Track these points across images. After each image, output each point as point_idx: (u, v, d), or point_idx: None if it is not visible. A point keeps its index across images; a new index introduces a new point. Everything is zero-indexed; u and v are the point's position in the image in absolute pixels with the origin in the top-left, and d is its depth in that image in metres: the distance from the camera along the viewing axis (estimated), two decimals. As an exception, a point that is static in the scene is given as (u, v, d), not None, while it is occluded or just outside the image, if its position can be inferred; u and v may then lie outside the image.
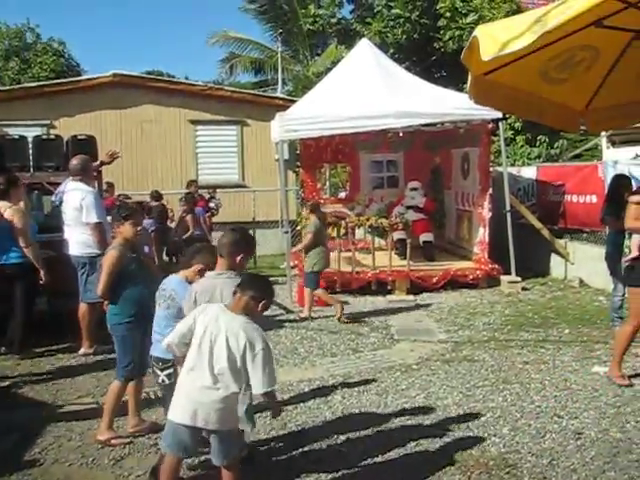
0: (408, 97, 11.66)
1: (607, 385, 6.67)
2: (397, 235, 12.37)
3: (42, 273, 7.83)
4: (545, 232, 12.82)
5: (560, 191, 13.11)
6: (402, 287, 11.64)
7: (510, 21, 5.16)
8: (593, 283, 11.60)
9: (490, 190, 12.38)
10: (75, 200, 8.09)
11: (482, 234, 12.40)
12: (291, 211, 15.18)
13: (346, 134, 12.44)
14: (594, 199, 11.80)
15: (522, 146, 18.49)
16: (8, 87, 21.09)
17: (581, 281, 11.96)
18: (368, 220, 12.15)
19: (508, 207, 12.14)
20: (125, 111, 16.97)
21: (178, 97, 17.19)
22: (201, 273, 4.83)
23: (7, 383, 7.16)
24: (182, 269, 5.12)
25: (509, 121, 18.29)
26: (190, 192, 13.40)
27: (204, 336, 4.01)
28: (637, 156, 11.61)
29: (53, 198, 8.80)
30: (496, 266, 12.01)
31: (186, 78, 32.27)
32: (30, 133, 11.06)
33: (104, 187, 11.23)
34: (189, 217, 12.43)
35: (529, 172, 14.62)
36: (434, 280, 11.79)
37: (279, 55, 25.92)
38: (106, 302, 5.68)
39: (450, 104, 11.61)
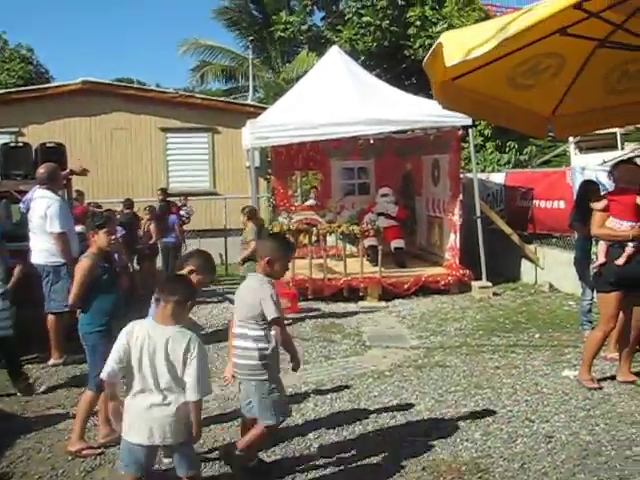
0: (379, 104, 11.71)
1: (577, 389, 6.73)
2: (368, 242, 12.39)
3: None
4: (515, 237, 12.92)
5: (528, 197, 13.23)
6: (374, 293, 11.66)
7: (475, 28, 5.21)
8: (563, 288, 11.71)
9: (460, 196, 12.45)
10: (41, 208, 8.00)
11: (453, 240, 12.47)
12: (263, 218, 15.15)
13: (317, 141, 12.46)
14: (562, 205, 11.93)
15: (492, 152, 18.64)
16: (-25, 95, 20.80)
17: (551, 286, 12.06)
18: (339, 227, 12.16)
19: (478, 213, 12.23)
20: (95, 118, 16.86)
21: (149, 105, 17.11)
22: (191, 274, 4.85)
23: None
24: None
25: (479, 128, 18.44)
26: (168, 201, 13.39)
27: (141, 356, 3.95)
28: (604, 162, 11.73)
29: (21, 206, 8.70)
30: (467, 272, 12.08)
31: (157, 85, 32.21)
32: (-2, 141, 10.94)
33: (74, 195, 11.13)
34: (152, 226, 12.43)
35: (498, 178, 14.74)
36: (406, 286, 11.82)
37: (250, 62, 25.92)
38: (78, 311, 5.63)
39: (420, 111, 11.67)
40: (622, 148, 15.15)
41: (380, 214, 13.05)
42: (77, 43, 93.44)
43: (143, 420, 3.96)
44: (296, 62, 24.25)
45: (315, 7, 23.94)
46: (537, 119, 7.73)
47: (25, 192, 8.73)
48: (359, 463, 5.19)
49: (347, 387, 7.05)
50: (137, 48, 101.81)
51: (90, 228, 5.93)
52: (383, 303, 11.43)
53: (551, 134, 8.14)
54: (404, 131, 13.37)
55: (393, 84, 13.88)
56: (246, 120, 12.07)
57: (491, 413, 6.16)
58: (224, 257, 15.77)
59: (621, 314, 6.78)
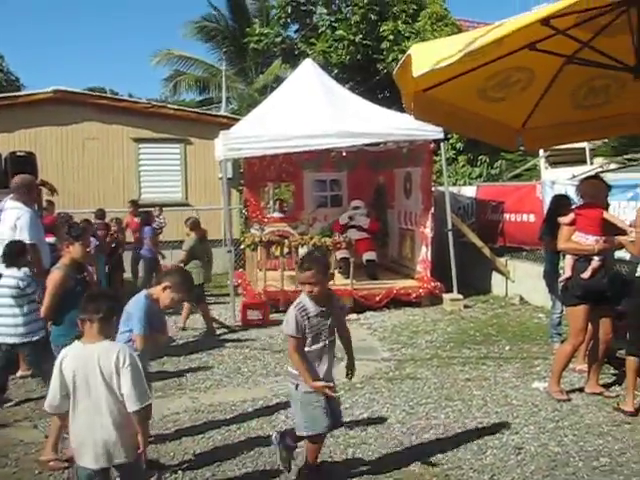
0: (351, 117, 11.77)
1: (546, 400, 6.78)
2: (340, 254, 12.41)
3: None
4: (486, 250, 13.01)
5: (499, 210, 13.35)
6: (345, 306, 11.65)
7: (444, 40, 5.28)
8: (533, 300, 11.80)
9: (432, 209, 12.52)
10: (11, 219, 7.89)
11: (424, 253, 12.53)
12: (235, 230, 15.14)
13: (290, 153, 12.47)
14: (532, 218, 12.04)
15: (463, 166, 18.80)
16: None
17: (521, 298, 12.16)
18: (312, 239, 12.16)
19: (450, 226, 12.30)
20: (66, 128, 16.70)
21: (121, 114, 17.00)
22: (165, 291, 4.99)
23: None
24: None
25: (451, 141, 18.60)
26: (147, 212, 13.34)
27: (76, 380, 3.85)
28: (574, 177, 11.87)
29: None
30: (438, 284, 12.13)
31: (129, 95, 32.03)
32: (-33, 150, 10.82)
33: (44, 205, 11.03)
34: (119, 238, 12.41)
35: (469, 191, 14.85)
36: (377, 298, 11.84)
37: (223, 73, 25.92)
38: (50, 322, 5.58)
39: (393, 124, 11.74)
40: (591, 163, 15.36)
41: (352, 226, 13.09)
42: (49, 51, 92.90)
43: (93, 443, 3.86)
44: (267, 72, 24.31)
45: (289, 20, 23.99)
46: (507, 132, 7.82)
47: (-5, 201, 8.62)
48: (330, 474, 5.17)
49: (318, 399, 7.03)
50: (110, 57, 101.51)
51: (64, 239, 5.87)
52: (354, 315, 11.41)
53: (522, 147, 8.22)
54: (377, 144, 13.43)
55: (366, 97, 13.95)
56: (219, 131, 12.05)
57: (461, 425, 6.19)
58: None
59: (590, 327, 6.86)
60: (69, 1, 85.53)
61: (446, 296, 12.04)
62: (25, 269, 6.86)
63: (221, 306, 12.15)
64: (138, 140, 17.19)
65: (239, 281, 12.55)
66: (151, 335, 4.97)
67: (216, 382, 7.76)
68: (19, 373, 7.95)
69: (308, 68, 13.31)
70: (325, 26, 21.79)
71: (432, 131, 11.31)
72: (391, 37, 20.15)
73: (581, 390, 7.05)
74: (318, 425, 4.86)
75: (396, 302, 11.94)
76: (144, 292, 5.15)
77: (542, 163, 16.71)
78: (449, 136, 16.70)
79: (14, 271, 6.77)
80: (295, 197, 15.69)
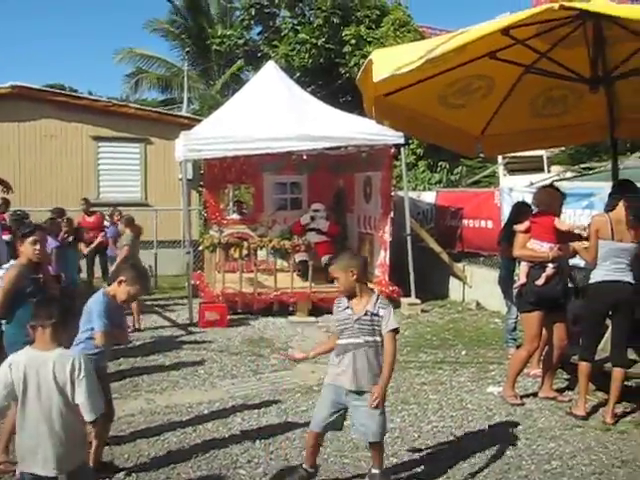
0: (312, 120, 11.79)
1: (501, 404, 6.86)
2: (299, 257, 12.41)
3: None
4: (444, 256, 13.13)
5: (458, 216, 13.48)
6: (304, 308, 11.67)
7: (405, 47, 5.34)
8: (489, 305, 11.94)
9: (391, 214, 12.58)
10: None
11: (383, 257, 12.58)
12: (194, 231, 15.05)
13: (250, 155, 12.44)
14: (490, 224, 12.19)
15: (423, 171, 18.94)
16: None
17: (478, 303, 12.29)
18: (271, 241, 12.15)
19: (408, 231, 12.38)
20: (24, 124, 16.42)
21: (80, 112, 16.76)
22: (120, 285, 5.02)
23: None
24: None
25: (411, 147, 18.73)
26: (112, 213, 13.21)
27: (28, 387, 3.73)
28: (532, 184, 12.04)
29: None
30: (396, 288, 12.19)
31: (90, 93, 31.64)
32: None
33: (-1, 202, 10.88)
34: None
35: (429, 197, 14.97)
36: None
37: (185, 73, 25.79)
38: (4, 321, 5.50)
39: (354, 128, 11.78)
40: (548, 171, 15.60)
41: (311, 229, 13.10)
42: (6, 47, 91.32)
43: (35, 450, 3.76)
44: (229, 73, 24.23)
45: (252, 22, 23.97)
46: (467, 138, 7.93)
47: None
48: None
49: (275, 402, 7.02)
50: (70, 55, 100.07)
51: (17, 237, 5.79)
52: (313, 318, 11.45)
53: (481, 154, 8.34)
54: (337, 148, 13.47)
55: (328, 101, 13.99)
56: (180, 131, 11.98)
57: (417, 429, 6.23)
58: (154, 269, 15.56)
59: (544, 332, 6.96)
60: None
61: (404, 300, 12.11)
62: None
63: (179, 307, 12.08)
64: (97, 138, 16.98)
65: (197, 282, 12.48)
66: (112, 332, 4.96)
67: (172, 384, 7.70)
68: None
69: (270, 71, 13.31)
70: (288, 29, 21.83)
71: (392, 136, 11.38)
72: (354, 42, 20.25)
73: (535, 395, 7.16)
74: (313, 420, 4.95)
75: (355, 306, 11.95)
76: (102, 289, 5.14)
77: (501, 170, 16.93)
78: (409, 141, 16.81)
79: None
80: (255, 199, 15.65)
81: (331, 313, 11.28)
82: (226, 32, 24.00)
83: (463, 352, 9.19)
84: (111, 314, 4.98)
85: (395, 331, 4.66)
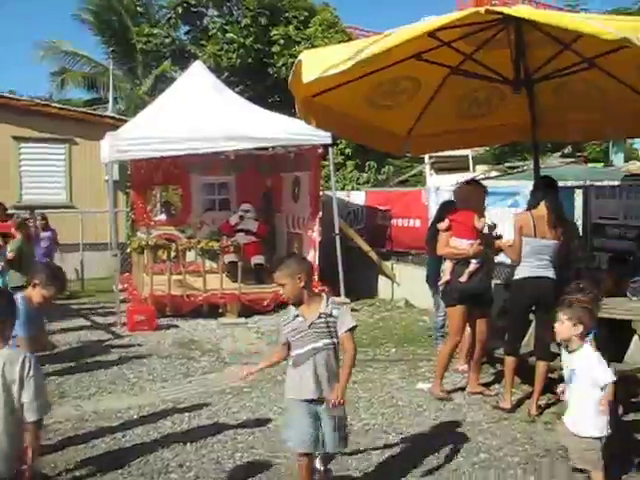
0: (240, 121, 11.74)
1: (430, 400, 6.96)
2: (228, 258, 12.34)
3: None
4: (373, 255, 13.24)
5: (387, 215, 13.63)
6: (233, 310, 11.62)
7: (334, 48, 5.39)
8: (418, 303, 12.08)
9: (320, 214, 12.63)
10: None
11: (312, 257, 12.58)
12: (121, 233, 14.82)
13: (178, 156, 12.32)
14: (418, 223, 12.36)
15: (352, 171, 19.08)
16: None
17: (407, 301, 12.43)
18: (199, 243, 12.05)
19: (337, 230, 12.44)
20: (-61, 123, 15.90)
21: (1, 111, 16.29)
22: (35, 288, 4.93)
23: None
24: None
25: (340, 147, 18.83)
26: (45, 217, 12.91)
27: None
28: (458, 183, 12.24)
29: None
30: (325, 288, 12.22)
31: (11, 92, 30.71)
32: None
33: None
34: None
35: (358, 197, 15.09)
36: (265, 302, 11.83)
37: (110, 72, 25.29)
38: None
39: (281, 129, 11.79)
40: (473, 170, 15.94)
41: (240, 230, 13.05)
42: None
43: None
44: (157, 74, 23.88)
45: (179, 21, 23.70)
46: (394, 138, 8.03)
47: None
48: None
49: (206, 404, 6.96)
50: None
51: None
52: (243, 319, 11.41)
53: (408, 154, 8.47)
54: (265, 148, 13.46)
55: (256, 101, 13.97)
56: (105, 132, 11.77)
57: (348, 427, 6.25)
58: (80, 272, 15.26)
59: (469, 328, 7.11)
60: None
61: (333, 299, 12.13)
62: None
63: (106, 311, 11.87)
64: (19, 139, 16.52)
65: (125, 285, 12.29)
66: (35, 336, 4.85)
67: (101, 389, 7.56)
68: None
69: (198, 70, 13.21)
70: (216, 28, 21.66)
71: (320, 136, 11.42)
72: (282, 42, 20.25)
73: (463, 389, 7.29)
74: (295, 440, 4.60)
75: (284, 306, 11.89)
76: (20, 294, 4.99)
77: (427, 170, 17.23)
78: (338, 141, 16.91)
79: None
80: (183, 200, 15.49)
81: (262, 314, 11.45)
82: (152, 31, 23.66)
83: (393, 350, 9.30)
84: (31, 319, 4.87)
85: (352, 330, 4.48)
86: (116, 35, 25.99)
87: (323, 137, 11.51)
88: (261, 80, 20.66)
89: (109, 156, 11.25)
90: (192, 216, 14.55)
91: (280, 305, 11.80)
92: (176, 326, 10.81)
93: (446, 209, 8.37)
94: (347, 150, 19.18)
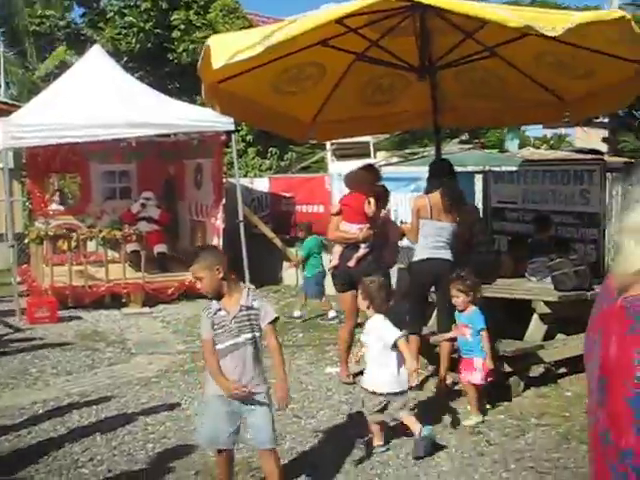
0: (140, 107, 11.50)
1: (339, 384, 7.06)
2: (131, 247, 12.11)
3: None
4: (277, 241, 13.25)
5: (291, 202, 13.67)
6: (137, 299, 11.43)
7: (241, 33, 5.37)
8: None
9: (223, 201, 12.55)
10: None
11: (216, 244, 12.51)
12: (17, 223, 14.29)
13: (76, 143, 11.97)
14: (321, 209, 12.46)
15: (254, 158, 18.98)
16: None
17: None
18: (101, 232, 11.78)
19: (241, 217, 12.39)
20: None
21: None
22: None
23: None
24: None
25: (241, 133, 18.68)
26: None
27: None
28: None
29: None
30: (231, 275, 12.15)
31: None
32: None
33: None
34: None
35: (262, 184, 15.06)
36: (169, 291, 11.70)
37: (1, 55, 24.27)
38: None
39: (183, 115, 11.64)
40: (375, 156, 16.14)
41: (142, 219, 12.83)
42: None
43: None
44: (51, 58, 23.06)
45: (74, 2, 22.93)
46: (299, 124, 8.07)
47: None
48: (130, 473, 5.07)
49: (113, 396, 6.84)
50: None
51: None
52: (147, 309, 11.25)
53: (313, 141, 8.51)
54: (167, 135, 13.24)
55: (156, 87, 13.69)
56: (-3, 118, 11.31)
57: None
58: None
59: None
60: None
61: (253, 290, 12.08)
62: None
63: (4, 304, 11.44)
64: None
65: (23, 277, 11.89)
66: None
67: (1, 385, 7.30)
68: None
69: (96, 55, 12.82)
70: (114, 12, 21.04)
71: (223, 122, 11.31)
72: (182, 27, 19.88)
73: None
74: (212, 440, 4.50)
75: (188, 294, 11.84)
76: None
77: (329, 156, 17.32)
78: (239, 128, 16.79)
79: None
80: (82, 189, 15.04)
81: (167, 303, 11.31)
82: (45, 12, 22.80)
83: (300, 335, 9.36)
84: None
85: (275, 321, 4.35)
86: (6, 16, 24.92)
87: (226, 124, 11.41)
88: (161, 66, 20.24)
89: (2, 143, 10.83)
90: (92, 205, 14.16)
91: (184, 294, 11.73)
92: (79, 317, 10.54)
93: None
94: (248, 137, 19.05)
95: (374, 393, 5.21)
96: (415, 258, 6.91)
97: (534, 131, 22.38)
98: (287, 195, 13.87)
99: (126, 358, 8.44)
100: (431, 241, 6.73)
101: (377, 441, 5.33)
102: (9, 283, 11.66)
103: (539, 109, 7.93)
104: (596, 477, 1.93)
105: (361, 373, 7.30)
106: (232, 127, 11.83)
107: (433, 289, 7.07)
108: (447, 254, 6.75)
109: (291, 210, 13.70)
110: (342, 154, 16.81)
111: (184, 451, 5.43)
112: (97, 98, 11.42)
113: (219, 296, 4.33)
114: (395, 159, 14.90)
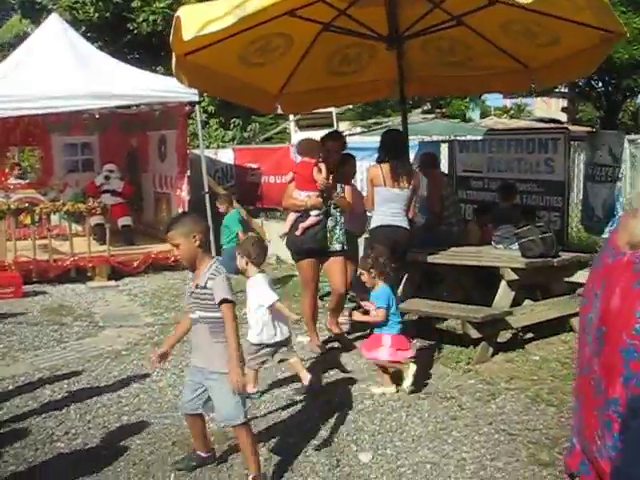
0: (102, 78, 11.30)
1: (311, 353, 7.05)
2: (95, 220, 11.99)
3: None
4: (242, 212, 13.20)
5: (257, 172, 13.63)
6: (103, 273, 11.33)
7: (212, 4, 5.30)
8: (288, 259, 12.14)
9: (188, 172, 12.47)
10: None
11: (180, 217, 12.45)
12: None
13: (36, 115, 11.76)
14: (287, 179, 12.40)
15: (216, 129, 18.83)
16: None
17: (278, 258, 12.51)
18: (64, 205, 11.62)
19: (206, 189, 12.32)
20: None
21: None
22: None
23: None
24: None
25: (202, 104, 18.49)
26: None
27: None
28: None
29: None
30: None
31: None
32: None
33: None
34: None
35: (226, 155, 14.97)
36: (135, 264, 11.63)
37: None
38: None
39: (145, 86, 11.48)
40: (337, 127, 16.16)
41: (106, 191, 12.70)
42: None
43: None
44: (6, 28, 22.56)
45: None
46: (267, 96, 8.04)
47: None
48: (106, 446, 5.08)
49: (84, 370, 6.80)
50: None
51: None
52: (113, 282, 11.17)
53: (281, 112, 8.48)
54: (129, 106, 13.08)
55: (116, 58, 13.46)
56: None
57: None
58: None
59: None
60: None
61: (217, 267, 12.05)
62: None
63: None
64: None
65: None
66: None
67: (-32, 362, 7.24)
68: None
69: (54, 24, 12.55)
70: (71, -22, 20.55)
71: (186, 93, 11.14)
72: (142, -5, 19.50)
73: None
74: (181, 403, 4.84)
75: (155, 266, 11.80)
76: None
77: (292, 127, 17.29)
78: (201, 99, 16.63)
79: None
80: (43, 162, 14.83)
81: (132, 276, 11.25)
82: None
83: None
84: None
85: (226, 302, 4.13)
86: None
87: (189, 94, 11.27)
88: (120, 36, 19.86)
89: (-40, 116, 10.60)
90: (54, 178, 13.97)
91: (150, 266, 11.69)
92: (44, 292, 10.43)
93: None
94: (210, 108, 18.87)
95: (252, 344, 5.59)
96: (372, 225, 7.09)
97: (494, 101, 22.65)
98: (253, 166, 13.82)
99: (94, 332, 8.39)
100: (386, 208, 6.91)
101: (251, 388, 5.59)
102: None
103: (505, 77, 8.00)
104: (582, 425, 1.99)
105: (331, 341, 7.45)
106: (196, 98, 11.73)
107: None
108: (403, 221, 6.93)
109: (257, 181, 13.66)
110: (305, 124, 16.79)
111: (160, 422, 5.46)
112: (57, 69, 11.20)
113: (194, 266, 4.27)
114: (358, 129, 14.92)
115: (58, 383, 6.44)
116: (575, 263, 7.42)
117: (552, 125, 13.04)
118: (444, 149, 9.98)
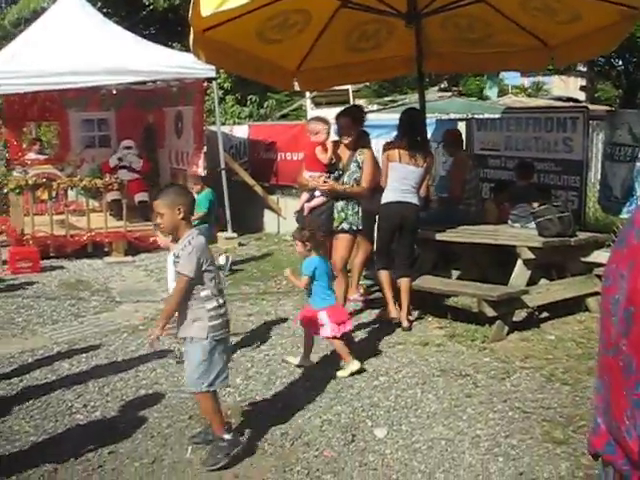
0: (119, 53, 11.32)
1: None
2: (112, 196, 12.05)
3: None
4: (258, 189, 13.25)
5: (272, 149, 13.62)
6: (119, 248, 11.41)
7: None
8: (304, 236, 12.21)
9: (204, 148, 12.49)
10: None
11: (197, 192, 12.50)
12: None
13: (53, 90, 11.79)
14: (302, 157, 12.40)
15: (233, 105, 18.81)
16: None
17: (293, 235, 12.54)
18: (81, 181, 11.68)
19: (223, 165, 12.35)
20: None
21: None
22: None
23: None
24: None
25: (219, 81, 18.46)
26: None
27: None
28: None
29: None
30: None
31: None
32: None
33: None
34: None
35: (241, 131, 14.97)
36: (151, 240, 11.64)
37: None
38: None
39: (164, 62, 11.50)
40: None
41: (123, 167, 12.75)
42: None
43: None
44: (23, 4, 22.49)
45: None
46: (284, 73, 8.03)
47: None
48: (124, 418, 5.15)
49: (102, 344, 6.88)
50: None
51: None
52: (130, 258, 11.26)
53: (298, 89, 8.45)
54: (146, 82, 13.07)
55: (132, 33, 13.44)
56: (-30, 65, 11.07)
57: (249, 358, 6.38)
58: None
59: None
60: None
61: (220, 235, 12.12)
62: None
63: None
64: None
65: (3, 228, 11.80)
66: None
67: (-12, 335, 7.32)
68: None
69: (71, 0, 12.56)
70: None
71: (203, 69, 11.16)
72: (159, -29, 19.45)
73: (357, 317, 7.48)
74: None
75: (172, 243, 11.84)
76: None
77: (308, 103, 17.22)
78: (217, 76, 16.61)
79: None
80: (60, 137, 14.89)
81: (149, 252, 11.31)
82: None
83: (284, 282, 9.40)
84: None
85: (182, 274, 4.21)
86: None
87: (207, 70, 11.27)
88: (136, 12, 19.82)
89: (-22, 91, 10.65)
90: (71, 153, 14.03)
91: (167, 242, 11.73)
92: (61, 267, 10.52)
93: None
94: (226, 84, 18.85)
95: None
96: (384, 200, 7.10)
97: (512, 79, 22.45)
98: (267, 142, 13.81)
99: (111, 307, 8.46)
100: (399, 184, 6.97)
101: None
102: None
103: (524, 55, 7.95)
104: (609, 405, 2.00)
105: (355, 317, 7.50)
106: (213, 74, 11.74)
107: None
108: (414, 198, 7.01)
109: (272, 157, 13.65)
110: (321, 101, 16.73)
111: (176, 396, 5.51)
112: (74, 44, 11.21)
113: (176, 237, 4.36)
114: (375, 107, 14.85)
115: (76, 357, 6.51)
116: (592, 243, 7.41)
117: (571, 104, 12.92)
118: (461, 127, 9.93)
